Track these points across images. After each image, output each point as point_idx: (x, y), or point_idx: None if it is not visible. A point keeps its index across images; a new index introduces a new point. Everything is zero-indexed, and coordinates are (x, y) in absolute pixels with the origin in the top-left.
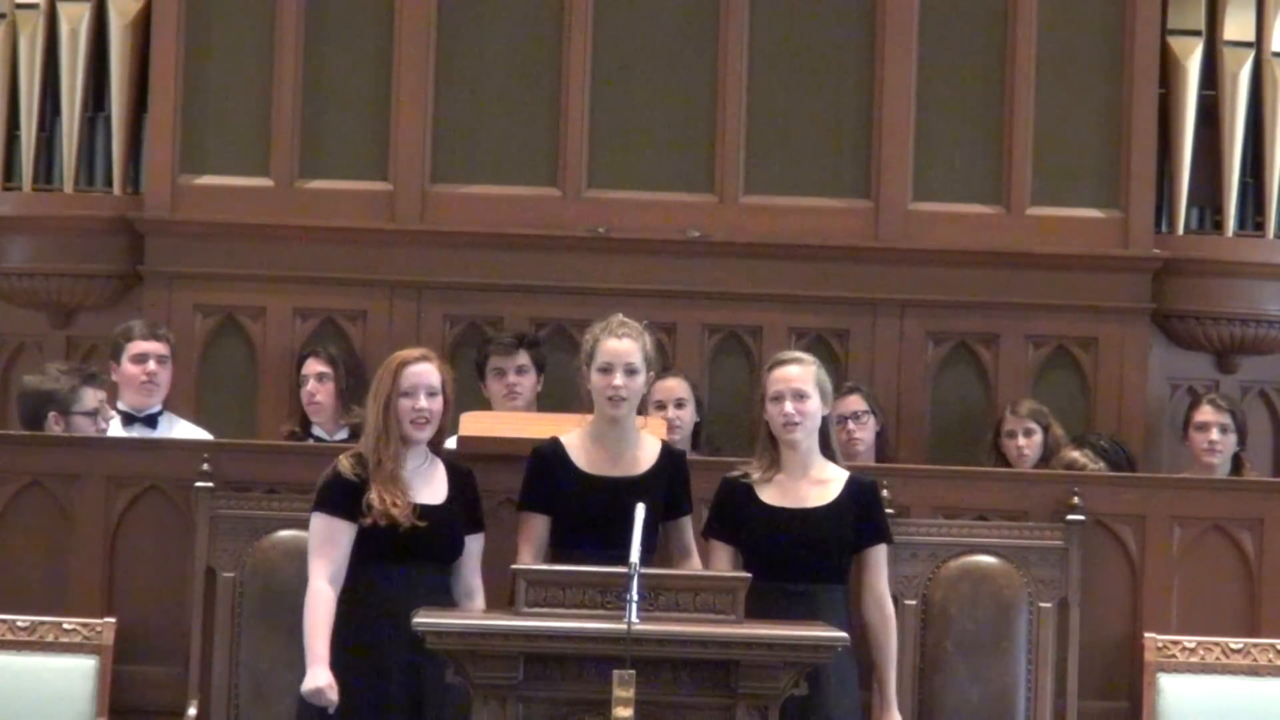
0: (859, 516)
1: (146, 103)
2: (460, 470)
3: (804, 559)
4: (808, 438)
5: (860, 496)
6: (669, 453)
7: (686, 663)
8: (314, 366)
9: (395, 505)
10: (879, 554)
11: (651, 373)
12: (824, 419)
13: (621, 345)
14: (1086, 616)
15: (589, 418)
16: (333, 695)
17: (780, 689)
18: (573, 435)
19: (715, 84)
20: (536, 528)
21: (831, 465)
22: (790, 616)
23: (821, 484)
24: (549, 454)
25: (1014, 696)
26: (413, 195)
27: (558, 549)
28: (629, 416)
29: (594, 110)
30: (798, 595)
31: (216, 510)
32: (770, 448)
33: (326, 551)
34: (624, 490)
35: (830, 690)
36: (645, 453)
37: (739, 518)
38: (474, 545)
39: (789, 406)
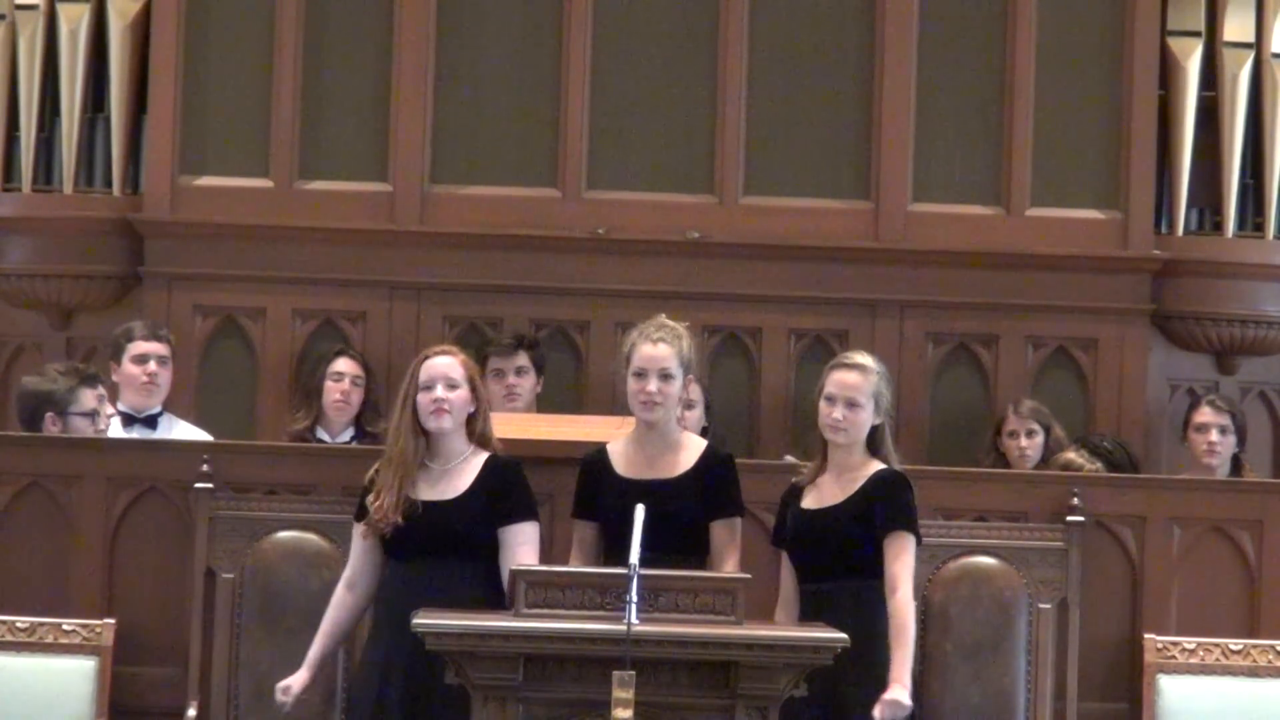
0: (875, 506)
1: (146, 103)
2: (497, 464)
3: (820, 557)
4: (850, 442)
5: (877, 489)
6: (711, 454)
7: (686, 664)
8: (351, 367)
9: (383, 505)
10: (891, 541)
11: (690, 375)
12: (877, 426)
13: (656, 350)
14: (1086, 617)
15: (630, 421)
16: (283, 697)
17: (780, 690)
18: (618, 442)
19: (715, 84)
20: (585, 535)
21: (875, 462)
22: (822, 614)
23: (852, 483)
24: (592, 461)
25: (1014, 697)
26: (412, 196)
27: (608, 555)
28: (667, 421)
29: (594, 110)
30: (822, 594)
31: (216, 511)
32: (823, 445)
33: (350, 555)
34: (659, 493)
35: (843, 687)
36: (685, 455)
37: (783, 522)
38: (509, 537)
39: (838, 413)
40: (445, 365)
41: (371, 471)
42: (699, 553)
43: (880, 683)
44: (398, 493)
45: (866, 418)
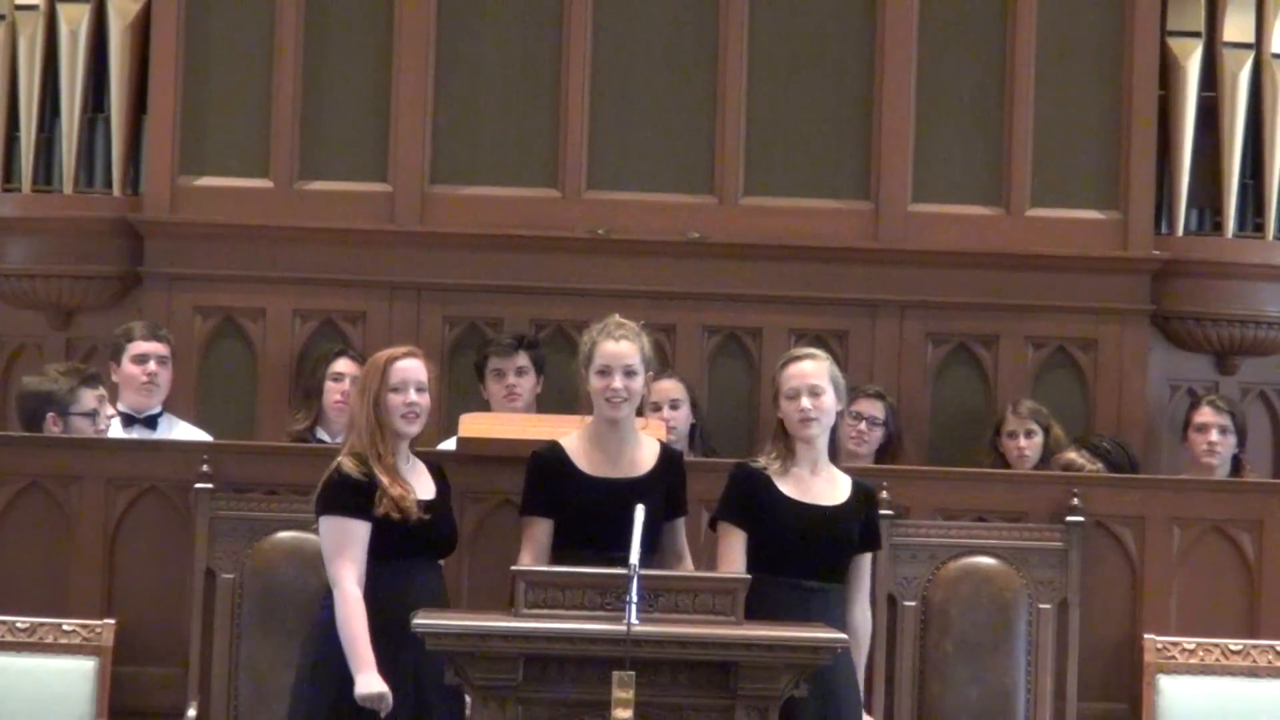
0: (865, 521)
1: (146, 104)
2: (439, 467)
3: (822, 556)
4: (823, 433)
5: (866, 502)
6: (668, 454)
7: (686, 664)
8: (351, 368)
9: (404, 496)
10: (870, 560)
11: (650, 373)
12: (840, 412)
13: (619, 347)
14: (1086, 618)
15: (588, 419)
16: (389, 702)
17: (780, 690)
18: (571, 438)
19: (715, 84)
20: (539, 532)
21: (833, 465)
22: (800, 613)
23: (831, 483)
24: (549, 457)
25: (1013, 698)
26: (412, 196)
27: (560, 552)
28: (629, 418)
29: (594, 111)
30: (810, 592)
31: (216, 512)
32: (782, 443)
33: (351, 553)
34: (626, 491)
35: (841, 690)
36: (645, 453)
37: (758, 505)
38: None
39: (805, 402)
40: (416, 369)
41: (351, 466)
42: (652, 550)
43: (856, 688)
44: (408, 490)
45: (831, 402)
